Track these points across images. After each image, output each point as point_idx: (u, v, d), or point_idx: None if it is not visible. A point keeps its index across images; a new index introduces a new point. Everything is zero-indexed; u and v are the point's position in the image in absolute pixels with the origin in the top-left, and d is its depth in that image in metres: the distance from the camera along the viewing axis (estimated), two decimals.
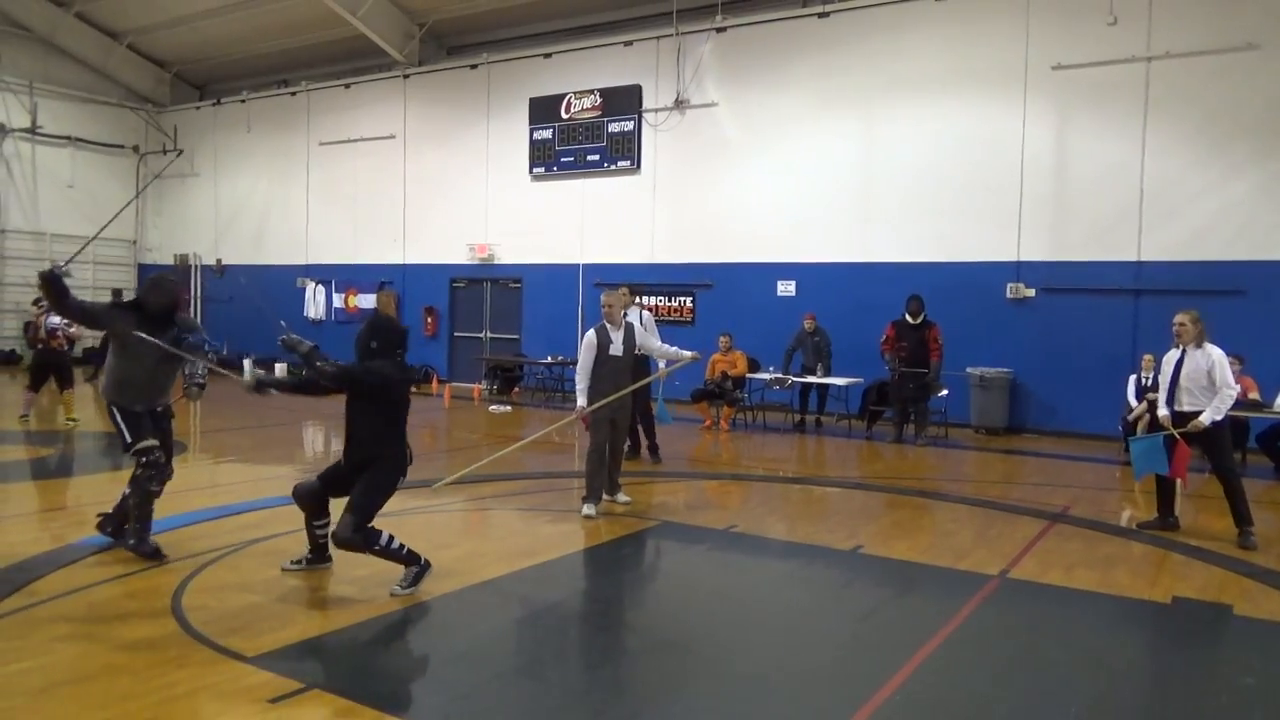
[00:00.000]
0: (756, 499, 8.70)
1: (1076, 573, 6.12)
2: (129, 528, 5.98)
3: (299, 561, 5.73)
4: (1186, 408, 7.09)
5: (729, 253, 16.15)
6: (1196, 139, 12.64)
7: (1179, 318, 7.23)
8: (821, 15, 15.31)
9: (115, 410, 5.93)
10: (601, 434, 7.48)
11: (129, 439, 5.85)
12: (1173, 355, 7.26)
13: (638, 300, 16.24)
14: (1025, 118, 13.65)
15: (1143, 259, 12.88)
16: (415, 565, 5.38)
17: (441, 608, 5.17)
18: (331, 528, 5.43)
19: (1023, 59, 13.63)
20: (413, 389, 5.87)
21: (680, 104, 16.51)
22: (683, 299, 16.67)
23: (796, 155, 15.54)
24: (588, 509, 7.36)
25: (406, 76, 19.84)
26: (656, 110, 16.78)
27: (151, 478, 5.86)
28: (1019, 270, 13.73)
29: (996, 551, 6.61)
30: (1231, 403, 7.04)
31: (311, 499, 5.60)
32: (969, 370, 13.40)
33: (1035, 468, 10.89)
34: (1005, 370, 13.46)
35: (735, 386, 13.44)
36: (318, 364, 5.83)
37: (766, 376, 13.75)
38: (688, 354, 7.74)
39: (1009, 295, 13.70)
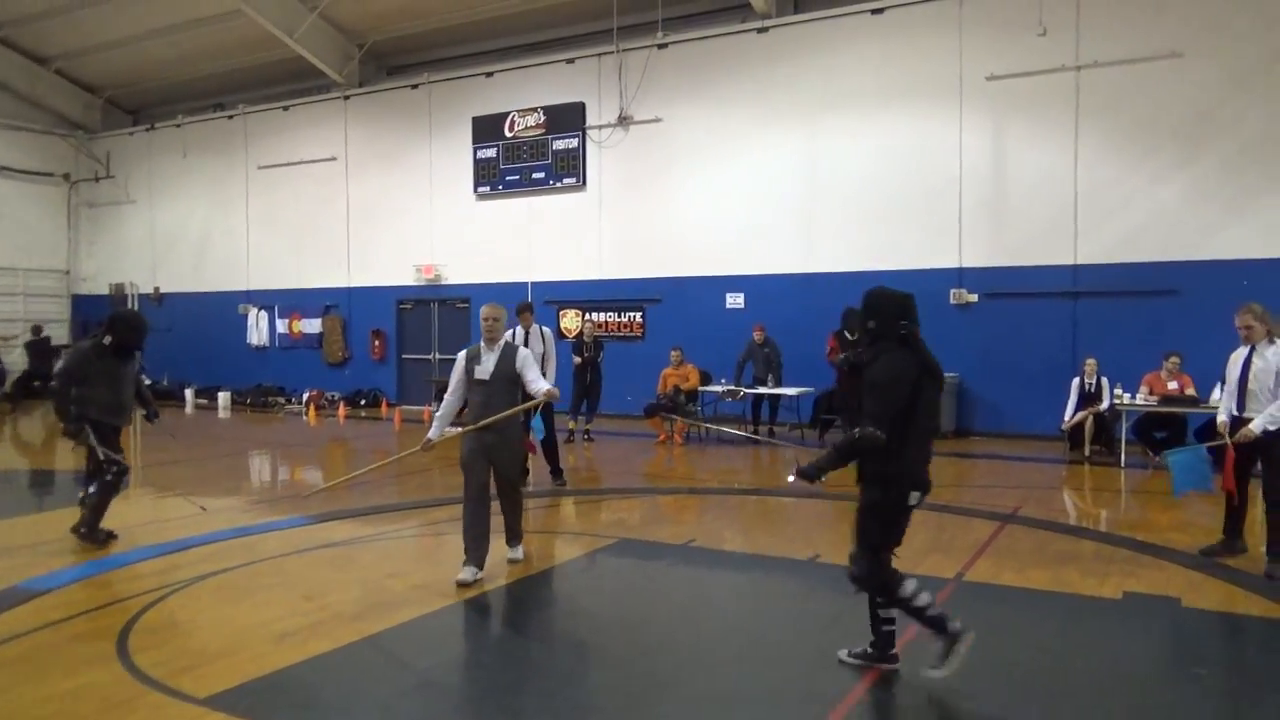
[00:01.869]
0: (713, 512, 8.71)
1: (1029, 572, 6.22)
2: (84, 517, 7.07)
3: (859, 654, 4.55)
4: (1253, 414, 6.18)
5: (677, 267, 16.21)
6: (1126, 145, 13.03)
7: (1242, 318, 6.36)
8: (761, 30, 15.50)
9: (94, 427, 7.01)
10: (472, 473, 6.17)
11: (105, 452, 7.03)
12: (1240, 354, 6.42)
13: (589, 320, 16.28)
14: (962, 128, 13.95)
15: (1079, 262, 13.22)
16: (945, 631, 4.24)
17: (397, 638, 5.07)
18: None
19: (957, 70, 13.93)
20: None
21: (624, 120, 16.57)
22: (632, 314, 16.68)
23: (741, 169, 15.68)
24: (463, 573, 5.97)
25: (347, 98, 19.63)
26: (601, 127, 16.81)
27: (118, 485, 7.09)
28: (961, 276, 13.99)
29: (951, 555, 6.69)
30: None
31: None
32: None
33: (984, 470, 11.07)
34: (951, 375, 13.64)
35: (688, 400, 13.47)
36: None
37: (719, 389, 13.80)
38: (543, 388, 6.21)
39: (952, 301, 13.95)
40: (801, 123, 15.20)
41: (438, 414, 6.36)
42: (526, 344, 9.86)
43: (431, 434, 6.19)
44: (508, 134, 17.57)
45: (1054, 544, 7.06)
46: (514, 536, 6.58)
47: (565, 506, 9.00)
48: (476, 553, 6.09)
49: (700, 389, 13.76)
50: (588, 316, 16.57)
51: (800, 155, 15.25)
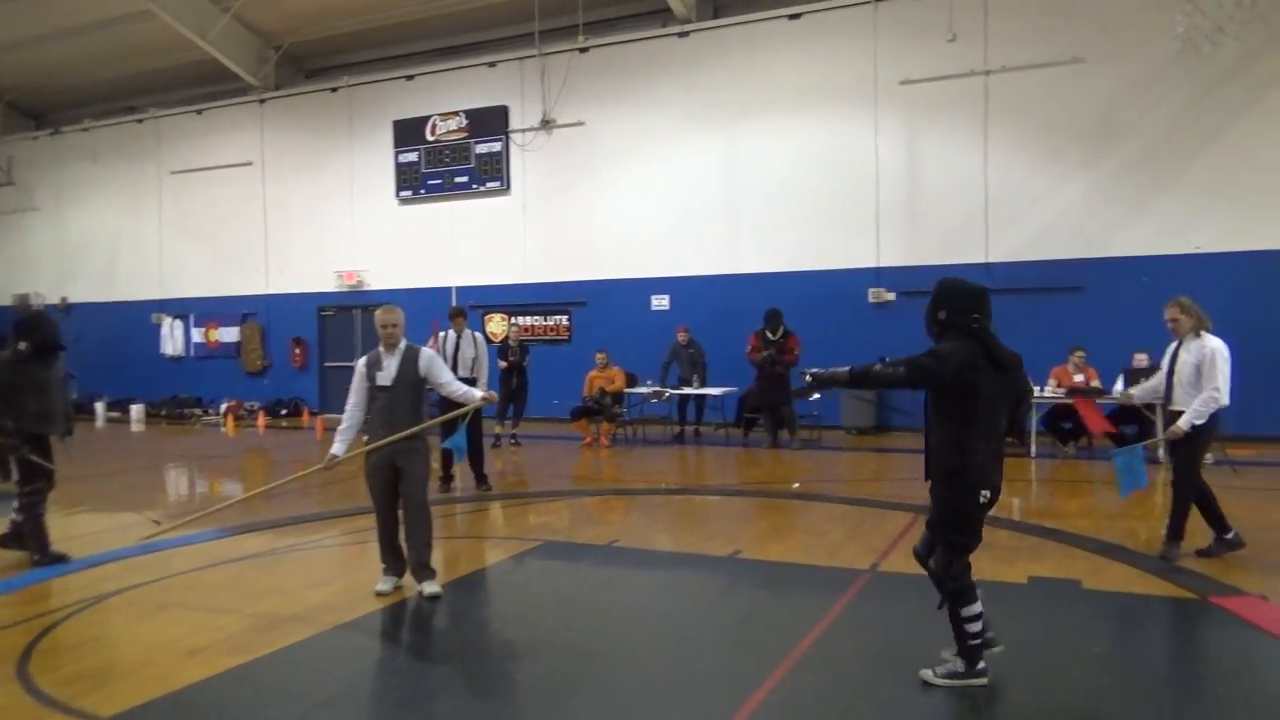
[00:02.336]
0: (637, 513, 8.76)
1: None
2: (31, 547, 6.87)
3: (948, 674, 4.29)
4: (1180, 406, 6.30)
5: (602, 270, 16.26)
6: (1033, 146, 13.51)
7: (1170, 311, 6.45)
8: (681, 35, 15.66)
9: (34, 441, 6.84)
10: (378, 486, 5.90)
11: (46, 466, 6.93)
12: (1172, 346, 6.53)
13: (514, 324, 16.23)
14: (878, 130, 14.29)
15: (991, 260, 13.66)
16: (972, 666, 4.19)
17: (314, 649, 4.99)
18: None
19: (873, 75, 14.28)
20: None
21: (547, 124, 16.56)
22: (558, 317, 16.67)
23: (665, 171, 15.81)
24: (382, 584, 5.92)
25: (263, 101, 19.23)
26: (524, 130, 16.78)
27: (41, 502, 6.89)
28: (879, 276, 14.33)
29: (867, 546, 6.85)
30: (1215, 405, 6.14)
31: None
32: None
33: (902, 464, 11.34)
34: None
35: (614, 402, 13.51)
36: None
37: (645, 390, 13.88)
38: (478, 395, 6.26)
39: (871, 300, 14.28)
40: (723, 126, 15.39)
41: (340, 427, 5.95)
42: (459, 349, 9.85)
43: (336, 449, 5.84)
44: (429, 138, 17.41)
45: None
46: (424, 569, 5.88)
47: (490, 512, 8.96)
48: (394, 564, 6.01)
49: (626, 391, 13.82)
50: (513, 321, 16.50)
51: (722, 158, 15.44)
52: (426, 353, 6.08)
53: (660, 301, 15.84)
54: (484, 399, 6.39)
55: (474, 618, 5.73)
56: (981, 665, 4.17)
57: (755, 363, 12.71)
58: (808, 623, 5.11)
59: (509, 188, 16.97)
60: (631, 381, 14.06)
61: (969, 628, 4.16)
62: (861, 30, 14.37)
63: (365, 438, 6.06)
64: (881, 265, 14.37)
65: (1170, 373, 6.46)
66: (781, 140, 14.99)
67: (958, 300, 4.16)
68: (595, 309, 16.32)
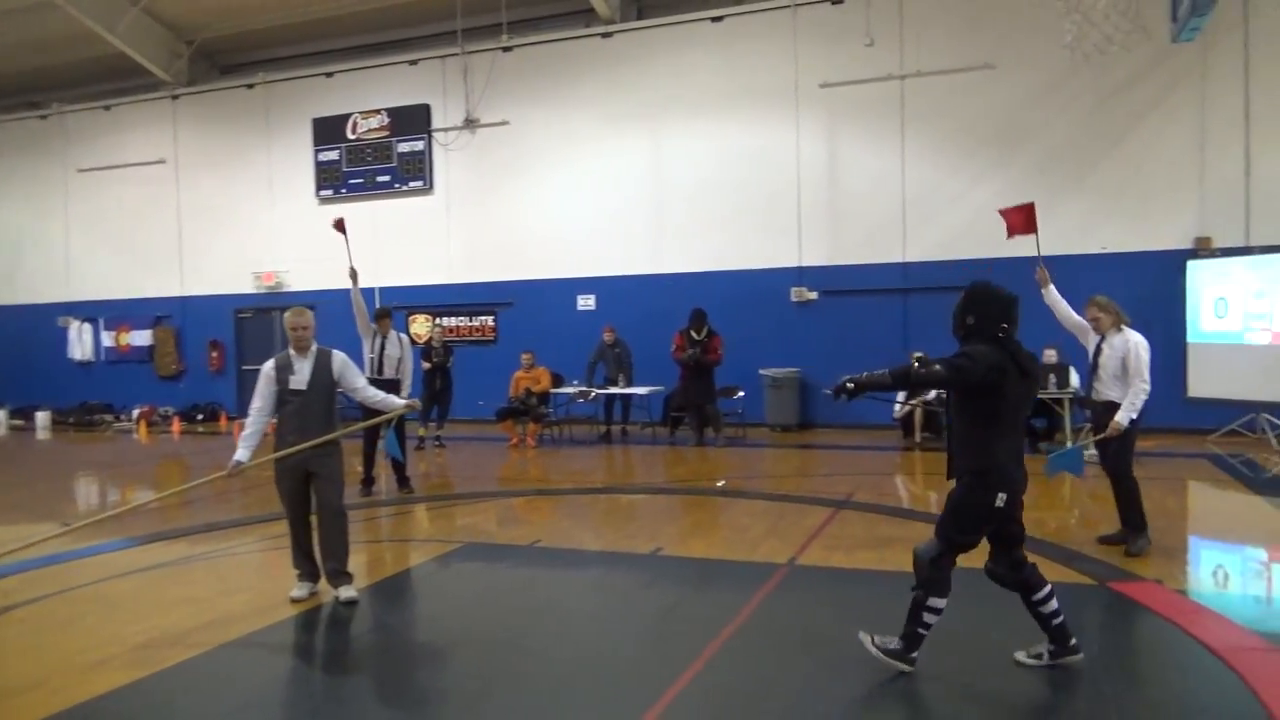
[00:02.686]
0: (562, 512, 8.76)
1: (857, 554, 6.55)
2: None
3: (1037, 655, 4.42)
4: (1105, 398, 6.57)
5: (528, 270, 16.20)
6: (947, 149, 13.88)
7: (1090, 311, 6.72)
8: (605, 35, 15.68)
9: None
10: (288, 493, 5.76)
11: None
12: (1094, 342, 6.76)
13: (438, 325, 16.03)
14: (799, 132, 14.52)
15: (908, 260, 13.99)
16: (904, 658, 4.30)
17: (224, 659, 4.87)
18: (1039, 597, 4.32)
19: (794, 78, 14.50)
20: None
21: (470, 123, 16.42)
22: (484, 318, 16.55)
23: (590, 172, 15.81)
24: (297, 590, 5.81)
25: (176, 97, 18.66)
26: (447, 130, 16.61)
27: None
28: (801, 275, 14.55)
29: (786, 541, 6.97)
30: (1145, 396, 6.35)
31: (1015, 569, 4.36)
32: (761, 372, 14.06)
33: (824, 460, 11.55)
34: (794, 369, 14.22)
35: (540, 402, 13.47)
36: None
37: (571, 390, 13.87)
38: (399, 403, 6.25)
39: (794, 299, 14.50)
40: (648, 126, 15.46)
41: (245, 433, 5.75)
42: (384, 350, 9.73)
43: (240, 455, 5.64)
44: (350, 136, 17.12)
45: (881, 527, 7.45)
46: (340, 574, 5.77)
47: (412, 514, 8.85)
48: (309, 569, 5.90)
49: (552, 391, 13.79)
50: (438, 322, 16.32)
51: (647, 158, 15.51)
52: (340, 356, 5.98)
53: (586, 301, 15.84)
54: (406, 406, 6.35)
55: (391, 622, 5.66)
56: (914, 655, 4.27)
57: (680, 362, 12.80)
58: (726, 617, 5.18)
59: (432, 187, 16.79)
60: (558, 382, 14.04)
61: (927, 618, 4.23)
62: (782, 34, 14.58)
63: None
64: (804, 265, 14.59)
65: (1094, 367, 6.67)
66: (705, 141, 15.13)
67: (989, 307, 4.20)
68: (521, 309, 16.24)
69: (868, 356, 13.76)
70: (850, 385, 4.16)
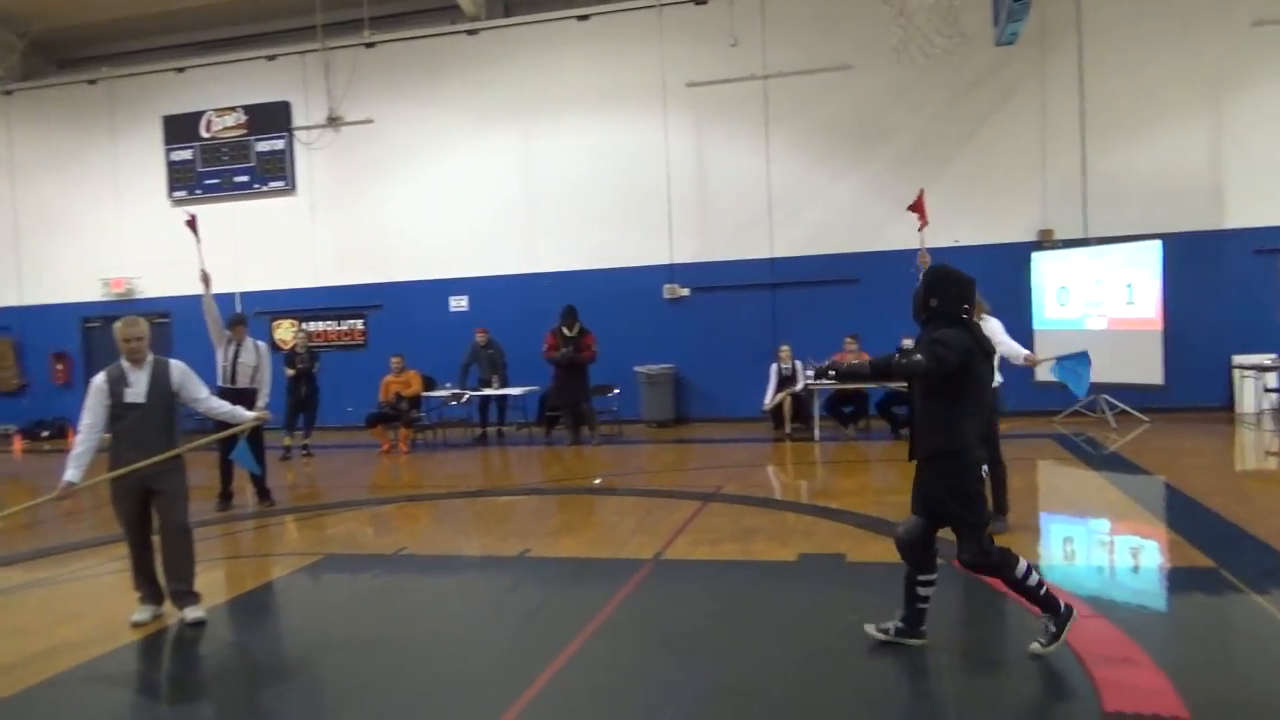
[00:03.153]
0: (431, 518, 8.60)
1: (721, 546, 6.66)
2: None
3: (885, 630, 4.52)
4: None
5: (398, 272, 15.85)
6: (810, 147, 14.28)
7: None
8: (471, 33, 15.48)
9: None
10: (126, 512, 5.47)
11: None
12: None
13: (302, 330, 15.47)
14: (667, 130, 14.68)
15: (775, 255, 14.33)
16: (1057, 613, 4.21)
17: (58, 689, 4.55)
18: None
19: (660, 76, 14.64)
20: None
21: (333, 121, 15.94)
22: (353, 322, 16.11)
23: (459, 170, 15.59)
24: (139, 613, 5.49)
25: (9, 93, 17.44)
26: (309, 128, 16.07)
27: None
28: (673, 272, 14.72)
29: (653, 536, 7.02)
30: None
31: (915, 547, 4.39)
32: (636, 369, 14.16)
33: (697, 454, 11.72)
34: (669, 366, 14.38)
35: (411, 407, 13.18)
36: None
37: (443, 393, 13.63)
38: (248, 415, 5.99)
39: (666, 296, 14.66)
40: (517, 125, 15.35)
41: (75, 451, 5.36)
42: (239, 358, 9.31)
43: (71, 476, 5.28)
44: (205, 134, 16.38)
45: (747, 517, 7.60)
46: (186, 594, 5.46)
47: (273, 527, 8.53)
48: (151, 591, 5.59)
49: (424, 394, 13.52)
50: (302, 326, 15.76)
51: (517, 157, 15.40)
52: (179, 366, 5.67)
53: (459, 303, 15.61)
54: (256, 418, 6.09)
55: (240, 642, 5.42)
56: (1064, 605, 4.22)
57: (553, 361, 12.74)
58: (588, 615, 5.16)
59: (294, 187, 16.23)
60: (429, 385, 13.78)
61: (1029, 583, 4.20)
62: (648, 33, 14.70)
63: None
64: (675, 262, 14.77)
65: None
66: (575, 139, 15.12)
67: (951, 289, 4.26)
68: (392, 312, 15.88)
69: (739, 351, 14.16)
70: (832, 373, 4.28)
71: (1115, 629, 4.53)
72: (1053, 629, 4.20)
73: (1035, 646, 4.21)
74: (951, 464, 4.19)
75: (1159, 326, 11.97)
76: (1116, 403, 12.45)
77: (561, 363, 12.63)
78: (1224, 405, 12.81)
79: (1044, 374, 12.10)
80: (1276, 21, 12.70)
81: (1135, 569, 6.07)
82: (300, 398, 12.76)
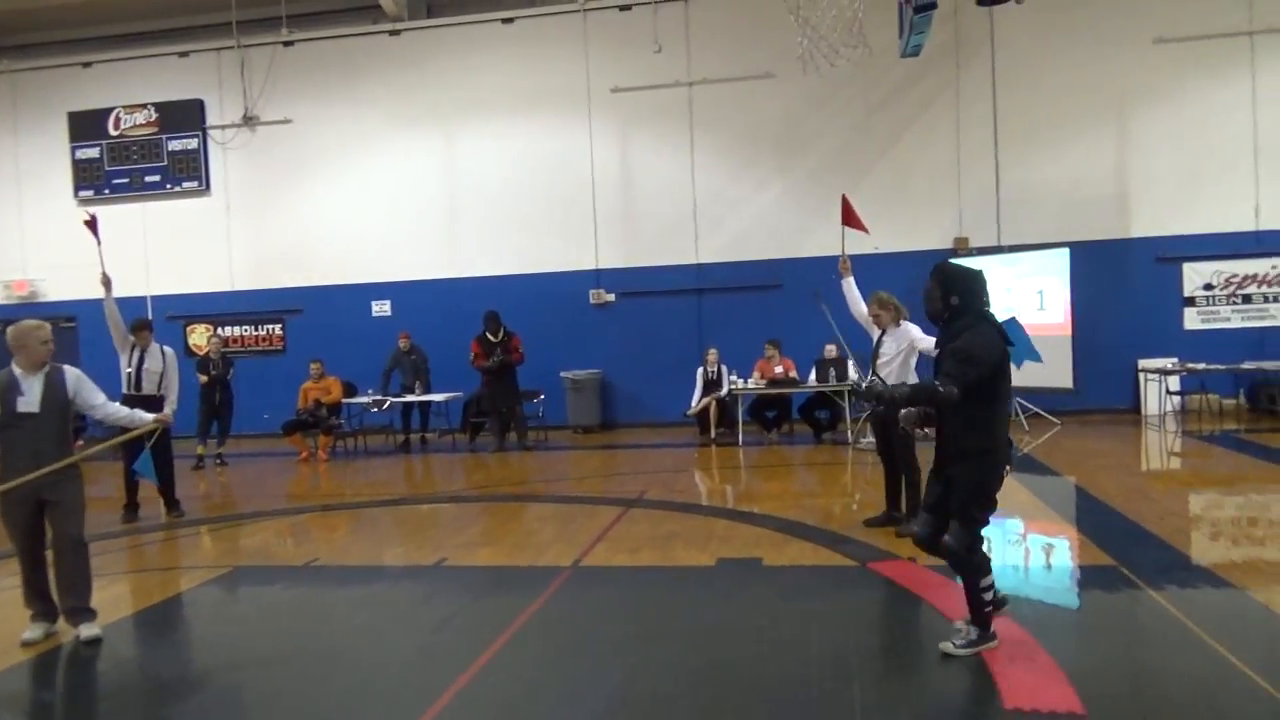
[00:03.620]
0: (346, 528, 8.39)
1: (641, 552, 6.64)
2: None
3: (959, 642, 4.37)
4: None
5: (319, 275, 15.51)
6: (733, 154, 14.40)
7: (870, 307, 7.01)
8: (393, 33, 15.24)
9: None
10: (16, 525, 5.24)
11: None
12: (876, 335, 7.04)
13: (216, 335, 15.01)
14: (592, 136, 14.66)
15: (701, 261, 14.41)
16: (985, 631, 4.31)
17: None
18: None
19: (585, 81, 14.61)
20: None
21: (250, 120, 15.53)
22: (271, 327, 15.70)
23: (381, 173, 15.32)
24: (30, 631, 5.26)
25: None
26: (224, 127, 15.64)
27: None
28: (599, 277, 14.70)
29: (573, 543, 6.97)
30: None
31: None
32: (562, 374, 14.08)
33: (622, 459, 11.70)
34: (595, 371, 14.34)
35: (330, 414, 12.89)
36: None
37: (364, 400, 13.37)
38: (148, 417, 5.82)
39: (592, 301, 14.63)
40: (440, 128, 15.16)
41: None
42: (143, 364, 8.99)
43: None
44: (113, 132, 15.81)
45: (668, 523, 7.59)
46: (81, 611, 5.25)
47: (181, 540, 8.22)
48: (44, 608, 5.34)
49: (345, 401, 13.23)
50: (217, 332, 15.29)
51: (441, 160, 15.20)
52: (73, 373, 5.46)
53: (381, 307, 15.34)
54: (157, 420, 5.87)
55: (139, 659, 5.21)
56: (993, 630, 4.33)
57: (483, 369, 12.59)
58: (502, 624, 5.09)
59: (209, 188, 15.75)
60: (350, 391, 13.49)
61: (985, 596, 4.28)
62: (573, 37, 14.67)
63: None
64: (601, 267, 14.74)
65: (875, 358, 6.97)
66: (500, 143, 14.99)
67: (971, 284, 4.29)
68: (312, 317, 15.51)
69: (665, 356, 14.19)
70: (885, 394, 4.36)
71: (1018, 627, 4.63)
72: (973, 638, 4.29)
73: (949, 646, 4.29)
74: (983, 461, 4.23)
75: (1068, 332, 12.35)
76: (1029, 405, 12.82)
77: (491, 369, 12.52)
78: (1131, 408, 13.30)
79: None
80: (1176, 39, 13.26)
81: (1040, 568, 6.23)
82: (214, 405, 12.38)
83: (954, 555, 4.30)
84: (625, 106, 14.58)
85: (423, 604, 5.81)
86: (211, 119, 15.67)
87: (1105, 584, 5.44)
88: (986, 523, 4.36)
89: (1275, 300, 13.25)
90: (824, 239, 14.06)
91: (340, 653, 4.93)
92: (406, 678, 4.48)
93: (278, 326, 15.69)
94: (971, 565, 4.28)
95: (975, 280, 4.32)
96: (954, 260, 4.45)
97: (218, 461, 12.44)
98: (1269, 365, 12.38)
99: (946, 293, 4.30)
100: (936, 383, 4.18)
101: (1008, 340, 4.25)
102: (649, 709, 3.98)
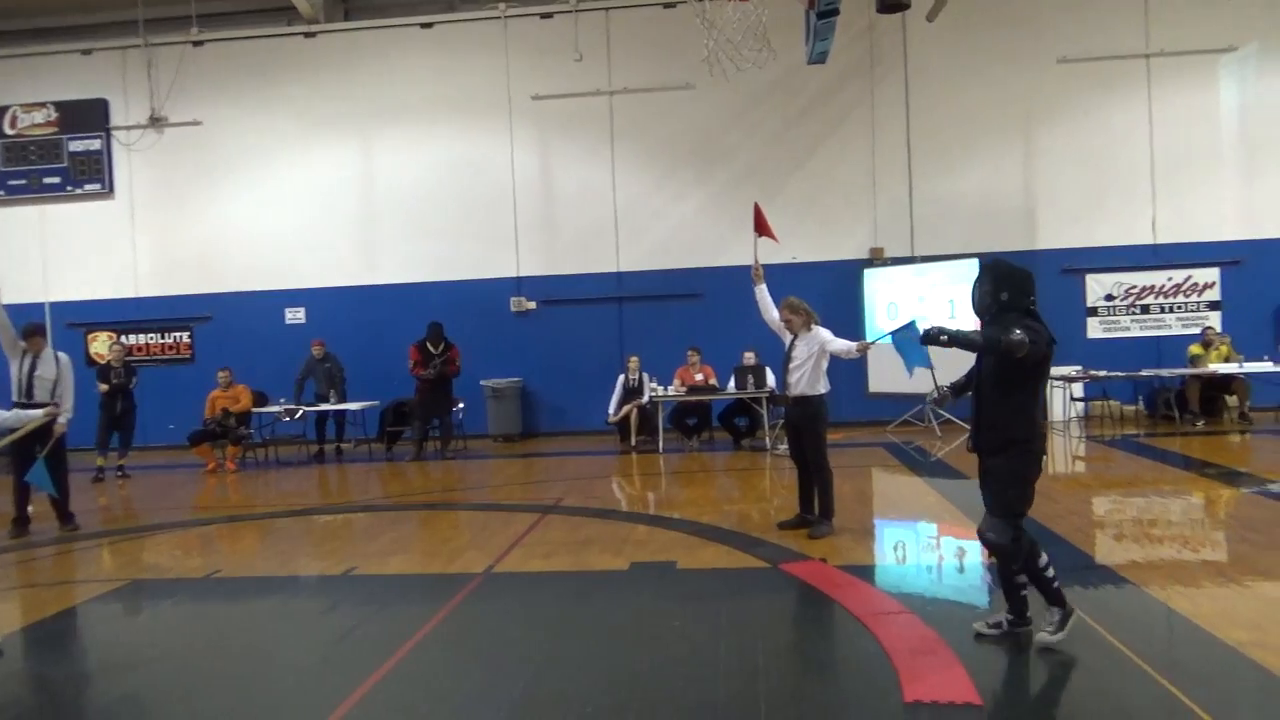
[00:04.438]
0: (254, 539, 8.13)
1: (555, 557, 6.57)
2: None
3: (996, 625, 4.48)
4: (797, 392, 6.96)
5: (229, 282, 15.06)
6: (653, 164, 14.48)
7: (781, 313, 7.10)
8: (308, 35, 14.94)
9: None
10: None
11: None
12: (788, 340, 7.12)
13: (118, 343, 14.45)
14: (513, 143, 14.58)
15: (622, 270, 14.42)
16: (1064, 604, 4.33)
17: None
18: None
19: (505, 88, 14.53)
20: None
21: (157, 121, 15.04)
22: (178, 334, 15.19)
23: (296, 178, 14.98)
24: None
25: None
26: (129, 128, 15.10)
27: None
28: (520, 285, 14.60)
29: (486, 550, 6.86)
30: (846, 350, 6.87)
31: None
32: (482, 382, 13.93)
33: (541, 467, 11.60)
34: (516, 379, 14.22)
35: (239, 423, 12.50)
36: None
37: (276, 409, 13.00)
38: (38, 413, 5.92)
39: (513, 309, 14.52)
40: (357, 132, 14.90)
41: None
42: (35, 371, 8.55)
43: None
44: (9, 131, 15.15)
45: (584, 529, 7.54)
46: None
47: (78, 553, 7.85)
48: None
49: (255, 410, 12.85)
50: (120, 339, 14.74)
51: (357, 165, 14.94)
52: None
53: (295, 314, 14.97)
54: (47, 413, 5.60)
55: (25, 680, 4.94)
56: (1029, 615, 4.42)
57: (421, 377, 12.42)
58: (408, 632, 4.97)
59: (112, 190, 15.19)
60: (261, 400, 13.11)
61: (1048, 574, 4.34)
62: (493, 44, 14.58)
63: None
64: (522, 275, 14.65)
65: (787, 362, 7.05)
66: (419, 149, 14.80)
67: (1020, 282, 4.29)
68: (222, 324, 15.06)
69: (587, 364, 14.15)
70: (944, 338, 4.14)
71: (923, 624, 4.71)
72: (1058, 619, 4.33)
73: (1044, 638, 4.32)
74: (1024, 449, 4.26)
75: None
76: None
77: (429, 378, 12.35)
78: None
79: (884, 381, 12.63)
80: (1079, 59, 13.80)
81: (947, 568, 6.35)
82: (115, 415, 11.90)
83: (999, 548, 4.34)
84: (546, 114, 14.54)
85: (325, 614, 5.64)
86: (116, 119, 15.13)
87: None
88: (1024, 514, 4.38)
89: (1171, 311, 13.86)
90: (744, 249, 14.08)
91: (236, 666, 4.75)
92: (303, 690, 4.34)
93: (185, 334, 15.18)
94: (1019, 554, 4.33)
95: (1027, 280, 4.35)
96: (1004, 260, 4.44)
97: (119, 474, 11.95)
98: (1165, 372, 12.93)
99: (997, 288, 4.32)
100: (1012, 333, 4.07)
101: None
102: (555, 713, 3.91)
